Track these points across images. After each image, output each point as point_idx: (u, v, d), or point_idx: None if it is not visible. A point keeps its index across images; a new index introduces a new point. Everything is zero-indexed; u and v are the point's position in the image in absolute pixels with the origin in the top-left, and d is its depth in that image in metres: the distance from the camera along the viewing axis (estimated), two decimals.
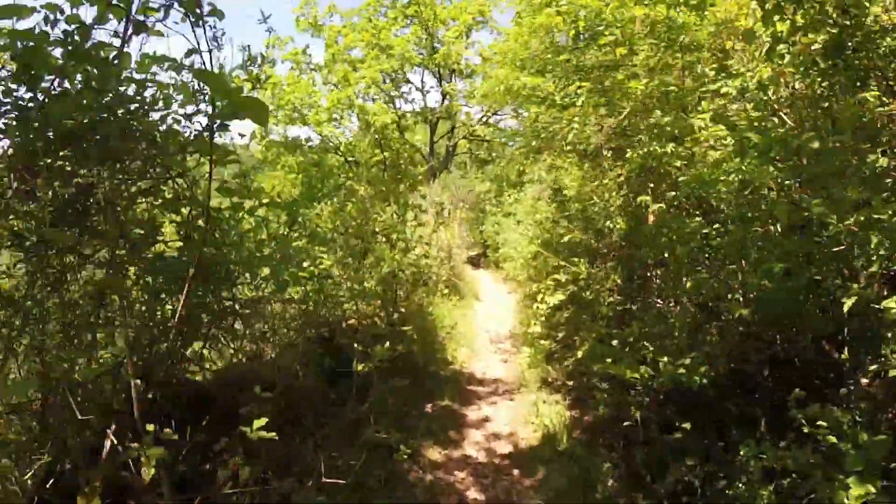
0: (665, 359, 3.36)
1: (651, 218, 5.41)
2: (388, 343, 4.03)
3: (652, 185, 4.35)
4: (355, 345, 4.24)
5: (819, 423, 3.13)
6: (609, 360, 4.10)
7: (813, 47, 3.27)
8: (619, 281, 4.74)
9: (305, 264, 3.83)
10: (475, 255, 25.92)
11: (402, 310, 6.18)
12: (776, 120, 3.57)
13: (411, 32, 21.62)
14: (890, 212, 2.57)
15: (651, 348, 3.59)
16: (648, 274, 5.04)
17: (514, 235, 15.83)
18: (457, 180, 16.34)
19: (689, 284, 3.23)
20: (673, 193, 4.20)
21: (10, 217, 2.74)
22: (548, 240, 7.02)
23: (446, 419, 6.74)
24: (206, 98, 2.65)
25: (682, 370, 3.19)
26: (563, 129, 4.93)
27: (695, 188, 3.82)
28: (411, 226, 7.27)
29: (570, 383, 6.30)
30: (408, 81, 24.59)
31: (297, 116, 21.84)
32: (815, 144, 2.73)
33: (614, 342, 3.87)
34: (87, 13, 2.79)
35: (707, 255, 3.48)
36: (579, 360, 5.11)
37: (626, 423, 4.79)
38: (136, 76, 2.79)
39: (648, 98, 4.30)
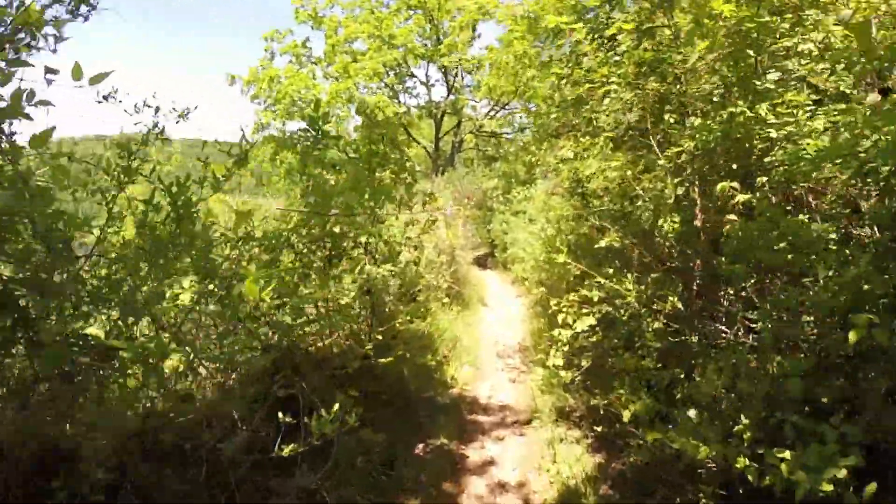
0: (786, 454, 1.97)
1: (700, 215, 4.02)
2: (346, 400, 2.64)
3: (734, 167, 2.95)
4: (280, 415, 2.88)
5: None
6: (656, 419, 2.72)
7: None
8: (677, 303, 3.35)
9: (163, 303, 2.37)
10: (482, 254, 24.46)
11: (380, 337, 4.79)
12: None
13: (414, 22, 20.23)
14: None
15: (746, 421, 2.20)
16: (699, 291, 3.63)
17: (523, 235, 14.42)
18: (462, 177, 14.92)
19: (851, 335, 1.85)
20: (763, 179, 2.80)
21: None
22: (567, 242, 5.61)
23: (441, 464, 5.34)
24: None
25: (827, 486, 1.78)
26: (596, 93, 3.53)
27: (804, 167, 2.42)
28: (398, 226, 5.90)
29: (599, 429, 4.91)
30: (412, 75, 23.22)
31: (295, 110, 20.52)
32: None
33: (691, 412, 2.47)
34: None
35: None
36: (620, 419, 3.70)
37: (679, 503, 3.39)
38: None
39: (734, 36, 2.90)
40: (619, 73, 3.41)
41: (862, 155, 2.01)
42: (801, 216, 2.59)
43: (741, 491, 3.12)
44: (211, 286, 2.38)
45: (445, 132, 22.85)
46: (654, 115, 3.49)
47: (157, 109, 2.88)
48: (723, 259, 2.74)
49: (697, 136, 2.84)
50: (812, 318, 2.37)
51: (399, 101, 21.70)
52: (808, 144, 2.39)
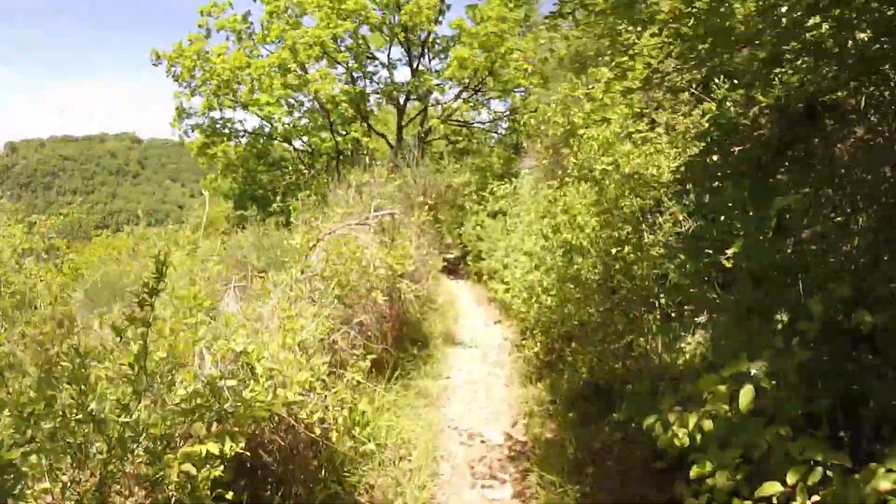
0: None
1: None
2: None
3: None
4: None
5: None
6: None
7: None
8: None
9: None
10: (454, 257, 20.40)
11: None
12: None
13: None
14: None
15: None
16: None
17: (504, 244, 10.42)
18: (416, 168, 10.80)
19: None
20: None
21: None
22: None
23: None
24: None
25: None
26: None
27: None
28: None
29: None
30: (372, 57, 18.96)
31: (226, 93, 16.05)
32: None
33: None
34: None
35: None
36: None
37: None
38: None
39: None
40: None
41: None
42: None
43: None
44: None
45: (410, 119, 18.63)
46: None
47: None
48: None
49: None
50: None
51: (355, 84, 17.40)
52: None
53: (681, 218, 4.08)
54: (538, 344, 5.83)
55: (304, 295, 4.15)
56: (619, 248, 3.78)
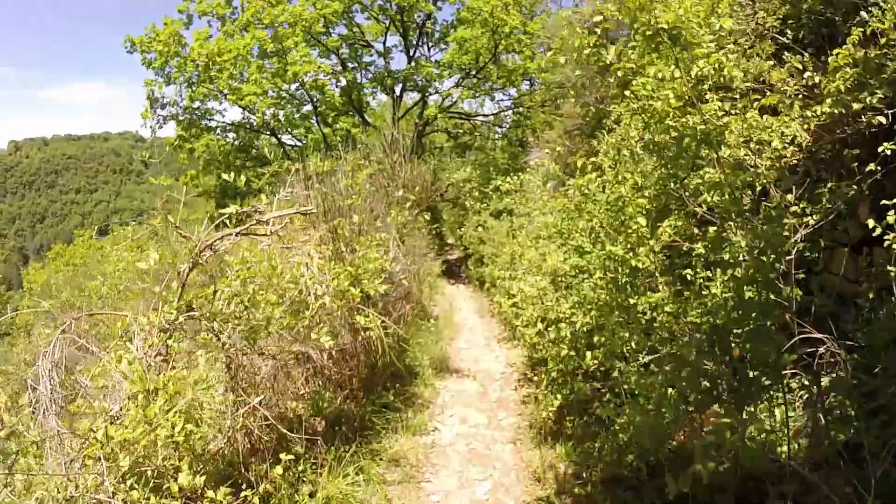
0: None
1: None
2: None
3: None
4: None
5: None
6: None
7: None
8: None
9: None
10: (455, 259, 18.79)
11: None
12: None
13: None
14: None
15: None
16: None
17: (509, 250, 8.75)
18: (402, 156, 9.11)
19: None
20: None
21: None
22: None
23: None
24: None
25: None
26: None
27: None
28: None
29: None
30: (367, 44, 17.25)
31: (203, 81, 14.34)
32: None
33: None
34: None
35: None
36: None
37: None
38: None
39: None
40: None
41: None
42: None
43: None
44: None
45: (407, 110, 16.87)
46: None
47: None
48: None
49: None
50: None
51: (346, 72, 15.66)
52: None
53: (799, 225, 2.40)
54: (559, 397, 4.13)
55: (186, 347, 2.47)
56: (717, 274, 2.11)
